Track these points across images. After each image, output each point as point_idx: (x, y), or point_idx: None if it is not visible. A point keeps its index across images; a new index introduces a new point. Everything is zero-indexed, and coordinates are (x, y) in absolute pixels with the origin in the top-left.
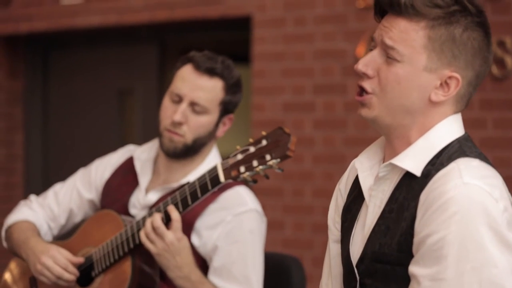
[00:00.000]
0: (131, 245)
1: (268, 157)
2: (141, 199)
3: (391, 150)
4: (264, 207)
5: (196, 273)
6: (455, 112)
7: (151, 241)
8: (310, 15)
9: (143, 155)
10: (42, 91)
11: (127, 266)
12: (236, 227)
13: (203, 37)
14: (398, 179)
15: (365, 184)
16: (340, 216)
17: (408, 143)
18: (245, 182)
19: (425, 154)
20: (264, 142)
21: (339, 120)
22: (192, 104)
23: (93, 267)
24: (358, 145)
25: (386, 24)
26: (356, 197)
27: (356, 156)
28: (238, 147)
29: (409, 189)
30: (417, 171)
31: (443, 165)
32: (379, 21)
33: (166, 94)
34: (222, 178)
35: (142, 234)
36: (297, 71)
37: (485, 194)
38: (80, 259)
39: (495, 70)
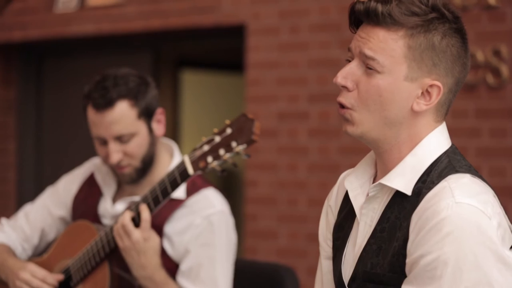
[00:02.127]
0: (107, 251)
1: (234, 144)
2: (109, 209)
3: (382, 166)
4: (258, 216)
5: (160, 274)
6: (437, 121)
7: (119, 236)
8: (305, 24)
9: (104, 167)
10: (36, 99)
11: (105, 273)
12: (205, 230)
13: (197, 46)
14: (389, 198)
15: (357, 203)
16: (332, 233)
17: (397, 157)
18: (214, 173)
19: (415, 172)
20: (228, 131)
21: (333, 129)
22: (118, 138)
23: (71, 278)
24: (353, 154)
25: (363, 35)
26: (347, 215)
27: (350, 165)
28: (203, 138)
29: (401, 208)
30: (408, 190)
31: (434, 183)
32: (354, 32)
33: (92, 136)
34: (190, 170)
35: (114, 227)
36: (292, 79)
37: (478, 212)
38: (59, 276)
39: (490, 79)
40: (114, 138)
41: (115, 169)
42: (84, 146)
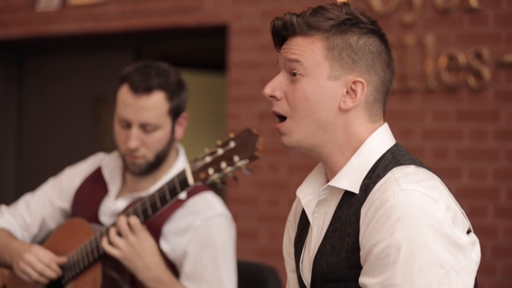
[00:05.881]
0: (101, 252)
1: (236, 158)
2: (111, 206)
3: (329, 171)
4: (239, 216)
5: (166, 274)
6: (372, 121)
7: (115, 247)
8: None
9: (111, 163)
10: (17, 98)
11: (97, 274)
12: (205, 232)
13: (179, 45)
14: (339, 199)
15: (309, 209)
16: (293, 245)
17: (341, 160)
18: (213, 185)
19: (360, 171)
20: (232, 144)
21: None
22: (142, 126)
23: (63, 275)
24: None
25: (285, 46)
26: (304, 225)
27: None
28: (206, 149)
29: (350, 205)
30: (355, 188)
31: (379, 177)
32: (279, 50)
33: (114, 118)
34: (191, 180)
35: (104, 241)
36: None
37: (424, 197)
38: (63, 259)
39: (472, 81)
40: (139, 125)
41: (128, 157)
42: (65, 145)
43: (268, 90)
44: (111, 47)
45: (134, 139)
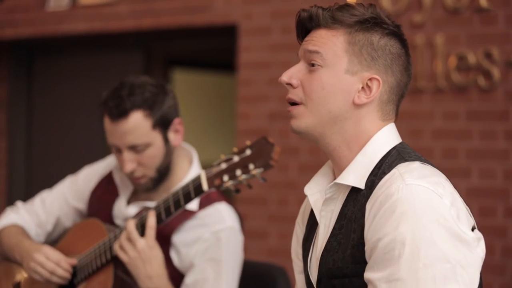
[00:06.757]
0: (114, 253)
1: (251, 166)
2: (123, 211)
3: (336, 167)
4: (248, 216)
5: (167, 287)
6: (384, 119)
7: (123, 250)
8: None
9: None
10: (26, 97)
11: (109, 275)
12: (213, 245)
13: (189, 45)
14: (345, 197)
15: (317, 206)
16: (301, 246)
17: (348, 155)
18: (227, 192)
19: (366, 167)
20: (248, 152)
21: None
22: (132, 148)
23: (75, 274)
24: None
25: (307, 38)
26: (312, 225)
27: None
28: (222, 156)
29: (356, 202)
30: (361, 184)
31: (385, 173)
32: (301, 43)
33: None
34: (205, 186)
35: (116, 243)
36: None
37: (429, 192)
38: (73, 261)
39: (482, 81)
40: (127, 148)
41: (130, 180)
42: (74, 144)
43: (285, 77)
44: (121, 47)
45: (127, 163)
